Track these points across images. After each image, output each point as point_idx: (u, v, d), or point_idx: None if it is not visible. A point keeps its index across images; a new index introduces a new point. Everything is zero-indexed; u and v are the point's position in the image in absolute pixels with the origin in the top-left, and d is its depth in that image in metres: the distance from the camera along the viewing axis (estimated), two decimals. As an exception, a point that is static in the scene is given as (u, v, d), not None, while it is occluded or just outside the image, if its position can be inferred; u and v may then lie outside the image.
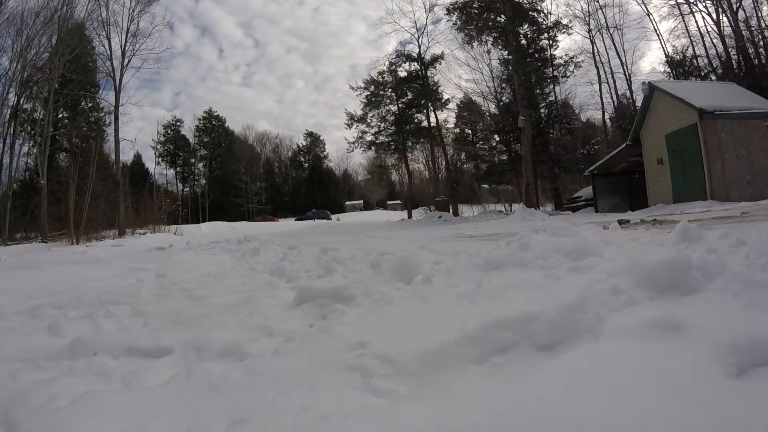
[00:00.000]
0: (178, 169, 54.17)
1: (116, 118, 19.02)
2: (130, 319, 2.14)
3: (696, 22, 19.76)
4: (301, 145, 62.22)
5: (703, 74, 19.41)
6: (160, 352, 1.54)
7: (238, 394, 1.04)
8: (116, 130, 19.08)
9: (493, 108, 24.14)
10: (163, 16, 23.39)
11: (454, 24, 21.11)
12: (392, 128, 24.88)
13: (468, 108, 25.74)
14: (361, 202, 59.13)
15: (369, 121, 24.94)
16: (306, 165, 61.69)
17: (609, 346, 1.02)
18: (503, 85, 23.34)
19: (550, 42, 21.18)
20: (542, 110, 21.66)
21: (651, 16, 21.10)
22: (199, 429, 0.92)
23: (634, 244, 1.95)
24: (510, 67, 20.06)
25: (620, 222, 4.99)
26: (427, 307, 1.53)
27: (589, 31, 21.75)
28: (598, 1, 21.30)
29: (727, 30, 18.46)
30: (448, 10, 20.72)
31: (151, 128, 49.72)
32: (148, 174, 46.91)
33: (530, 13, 20.05)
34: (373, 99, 24.60)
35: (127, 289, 3.08)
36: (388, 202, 56.90)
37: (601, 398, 0.82)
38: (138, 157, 46.46)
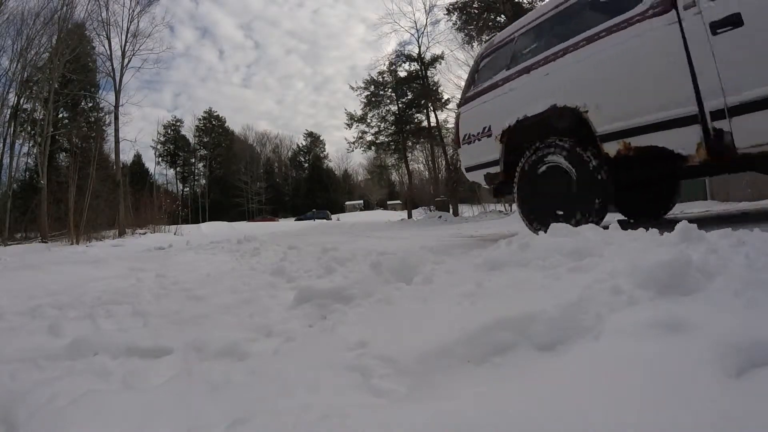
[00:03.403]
0: (178, 169, 54.19)
1: (116, 118, 19.09)
2: (130, 319, 2.14)
3: (696, 22, 19.72)
4: (301, 145, 62.30)
5: (703, 74, 19.37)
6: (160, 352, 1.54)
7: (238, 394, 1.04)
8: (116, 130, 19.13)
9: (493, 108, 24.07)
10: (162, 16, 23.41)
11: (454, 24, 21.12)
12: (392, 128, 24.89)
13: (468, 108, 25.65)
14: (361, 202, 59.12)
15: (369, 121, 24.96)
16: (306, 165, 61.74)
17: (609, 346, 1.02)
18: (503, 85, 23.31)
19: (550, 42, 21.13)
20: (542, 110, 21.62)
21: (651, 16, 21.07)
22: (199, 429, 0.92)
23: (635, 244, 1.95)
24: (510, 67, 20.02)
25: (620, 222, 4.98)
26: (427, 307, 1.53)
27: (589, 31, 21.76)
28: (598, 1, 21.28)
29: (727, 30, 18.43)
30: (447, 10, 20.72)
31: (151, 128, 49.83)
32: (148, 174, 46.92)
33: (530, 13, 20.04)
34: (373, 99, 24.62)
35: (127, 289, 3.08)
36: (388, 202, 56.93)
37: (602, 398, 0.82)
38: (138, 157, 46.55)
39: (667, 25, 2.76)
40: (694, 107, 2.66)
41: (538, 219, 3.65)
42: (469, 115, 4.20)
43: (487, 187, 4.32)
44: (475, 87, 4.26)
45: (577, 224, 2.86)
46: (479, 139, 4.00)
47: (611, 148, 3.04)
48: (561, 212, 3.36)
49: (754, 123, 2.46)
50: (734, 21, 2.48)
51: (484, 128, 3.93)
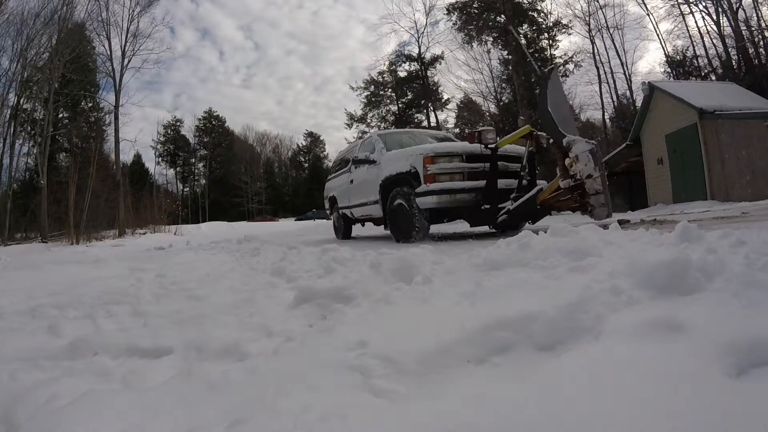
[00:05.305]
0: (178, 169, 54.10)
1: (116, 118, 19.09)
2: (130, 319, 2.14)
3: (696, 22, 19.81)
4: (300, 146, 62.27)
5: (703, 74, 19.43)
6: (160, 352, 1.54)
7: (238, 394, 1.04)
8: (116, 130, 19.13)
9: (493, 108, 24.17)
10: (162, 17, 23.42)
11: (454, 24, 21.19)
12: (392, 128, 24.88)
13: (468, 108, 25.76)
14: (362, 202, 58.89)
15: (369, 121, 24.99)
16: (306, 165, 61.68)
17: (609, 346, 1.02)
18: (503, 85, 23.37)
19: (550, 42, 21.19)
20: (542, 110, 21.64)
21: (651, 16, 21.14)
22: (199, 429, 0.92)
23: (634, 244, 1.95)
24: (510, 67, 20.07)
25: (620, 222, 4.98)
26: (427, 307, 1.53)
27: (589, 31, 21.78)
28: (598, 1, 21.33)
29: (727, 30, 18.48)
30: (447, 10, 20.79)
31: (151, 129, 49.75)
32: (148, 174, 46.88)
33: (530, 13, 20.07)
34: (373, 99, 24.66)
35: (127, 289, 3.08)
36: (389, 202, 56.73)
37: (601, 398, 0.82)
38: (138, 157, 46.49)
39: (349, 173, 7.35)
40: (348, 203, 7.39)
41: (336, 233, 8.60)
42: (326, 187, 9.14)
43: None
44: (330, 174, 9.24)
45: (337, 236, 8.56)
46: (326, 198, 9.04)
47: (342, 212, 7.91)
48: (340, 230, 8.35)
49: (357, 211, 7.12)
50: (352, 180, 7.18)
51: (327, 195, 8.94)
